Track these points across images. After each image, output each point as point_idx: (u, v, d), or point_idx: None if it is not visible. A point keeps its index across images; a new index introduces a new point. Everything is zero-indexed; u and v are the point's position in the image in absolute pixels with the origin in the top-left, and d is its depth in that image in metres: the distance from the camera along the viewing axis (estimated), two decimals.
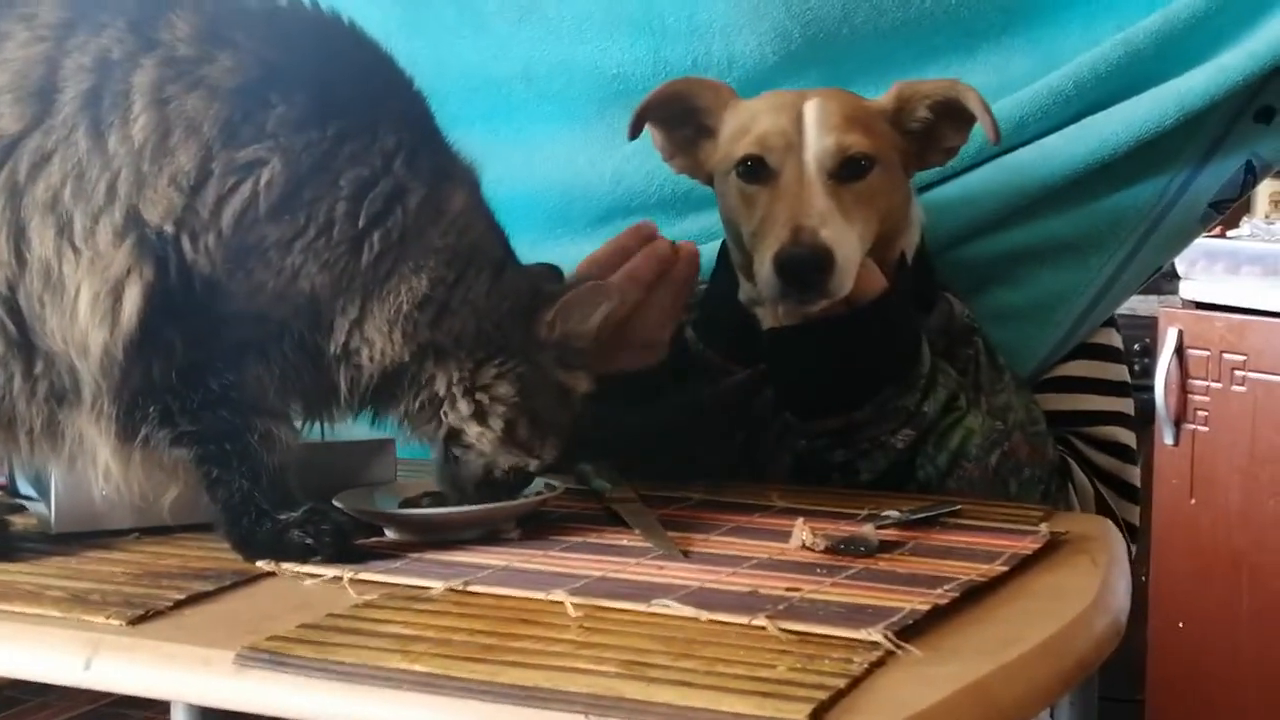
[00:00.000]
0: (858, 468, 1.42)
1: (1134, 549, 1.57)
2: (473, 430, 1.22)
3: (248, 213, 1.14)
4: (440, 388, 1.21)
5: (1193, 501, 3.23)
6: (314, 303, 1.17)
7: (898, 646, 0.96)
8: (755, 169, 1.40)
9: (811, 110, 1.39)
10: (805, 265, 1.33)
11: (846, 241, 1.35)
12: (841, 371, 1.39)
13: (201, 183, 1.14)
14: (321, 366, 1.19)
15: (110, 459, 1.17)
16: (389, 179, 1.17)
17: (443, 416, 1.22)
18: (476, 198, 1.25)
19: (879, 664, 0.94)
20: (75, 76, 1.13)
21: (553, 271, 1.31)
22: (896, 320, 1.40)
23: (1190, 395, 3.24)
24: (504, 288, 1.22)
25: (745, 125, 1.42)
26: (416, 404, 1.22)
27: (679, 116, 1.49)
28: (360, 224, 1.16)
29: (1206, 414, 3.22)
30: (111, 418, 1.15)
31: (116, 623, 1.03)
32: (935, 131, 1.45)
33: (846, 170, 1.38)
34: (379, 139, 1.18)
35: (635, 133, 1.48)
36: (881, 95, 1.44)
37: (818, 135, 1.38)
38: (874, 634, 0.97)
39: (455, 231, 1.20)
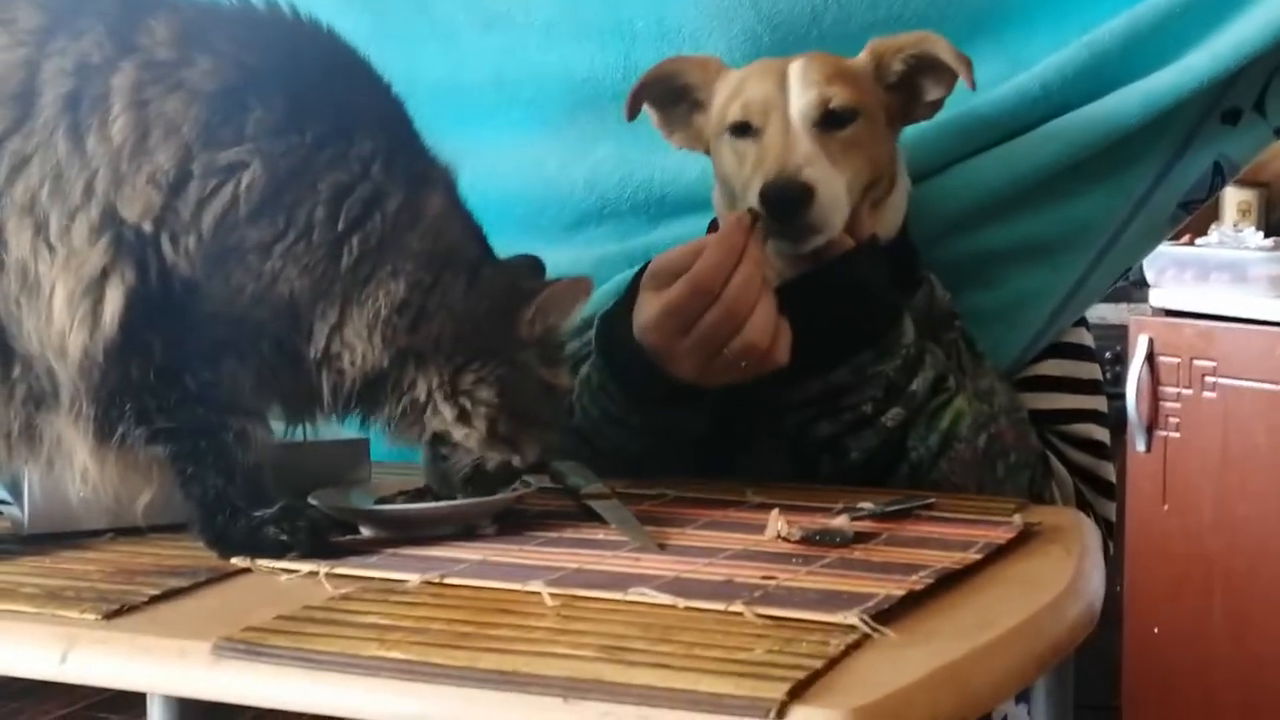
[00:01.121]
0: (847, 446, 1.42)
1: (1111, 546, 1.58)
2: (458, 433, 1.22)
3: (228, 215, 1.15)
4: (421, 393, 1.21)
5: (1166, 508, 3.25)
6: (292, 306, 1.17)
7: (874, 630, 0.96)
8: (744, 129, 1.43)
9: (796, 69, 1.43)
10: (786, 195, 1.36)
11: (832, 182, 1.39)
12: (810, 329, 1.40)
13: (181, 183, 1.14)
14: (302, 370, 1.19)
15: (88, 459, 1.16)
16: (367, 183, 1.18)
17: (426, 421, 1.22)
18: (453, 199, 1.25)
19: (855, 646, 0.94)
20: (55, 80, 1.14)
21: (534, 263, 1.31)
22: (863, 278, 1.41)
23: (1162, 402, 3.26)
24: (481, 289, 1.22)
25: (735, 91, 1.45)
26: (399, 409, 1.22)
27: (672, 94, 1.52)
28: (339, 228, 1.16)
29: (1178, 420, 3.24)
30: (90, 418, 1.15)
31: (91, 617, 1.03)
32: (915, 85, 1.47)
33: (830, 120, 1.41)
34: (356, 144, 1.18)
35: (632, 114, 1.51)
36: (859, 54, 1.47)
37: (801, 91, 1.42)
38: (850, 618, 0.97)
39: (432, 235, 1.21)
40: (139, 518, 1.21)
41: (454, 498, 1.25)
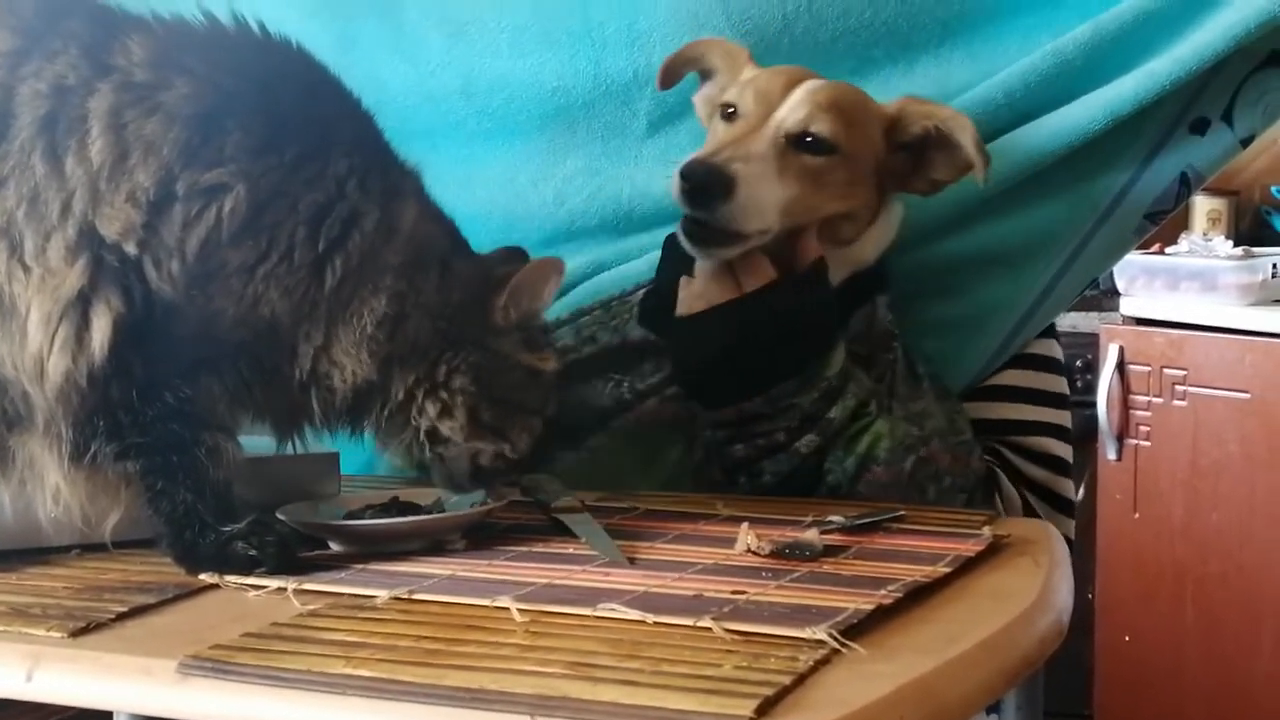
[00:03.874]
0: (762, 468, 1.43)
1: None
2: (444, 427, 1.23)
3: (211, 238, 1.15)
4: (403, 394, 1.22)
5: (1136, 516, 3.26)
6: (273, 328, 1.17)
7: (842, 645, 0.96)
8: (730, 113, 1.45)
9: (808, 86, 1.43)
10: (701, 175, 1.36)
11: (764, 188, 1.38)
12: (727, 356, 1.41)
13: (162, 204, 1.14)
14: (289, 389, 1.20)
15: (60, 480, 1.16)
16: (344, 203, 1.18)
17: (414, 420, 1.23)
18: (423, 202, 1.25)
19: (824, 662, 0.94)
20: (31, 102, 1.13)
21: (515, 254, 1.31)
22: (784, 312, 1.41)
23: (1132, 410, 3.27)
24: (452, 281, 1.23)
25: (746, 81, 1.47)
26: (386, 413, 1.23)
27: (702, 73, 1.55)
28: (320, 248, 1.17)
29: (1148, 429, 3.25)
30: (65, 440, 1.15)
31: (57, 635, 1.02)
32: (925, 157, 1.46)
33: (804, 143, 1.41)
34: (332, 163, 1.19)
35: (664, 84, 1.55)
36: (890, 102, 1.47)
37: (796, 105, 1.42)
38: (819, 633, 0.97)
39: (407, 247, 1.21)
40: (107, 536, 1.20)
41: (462, 493, 1.27)
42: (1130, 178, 1.56)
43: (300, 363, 1.18)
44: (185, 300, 1.15)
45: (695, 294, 1.43)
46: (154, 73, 1.15)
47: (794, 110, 1.41)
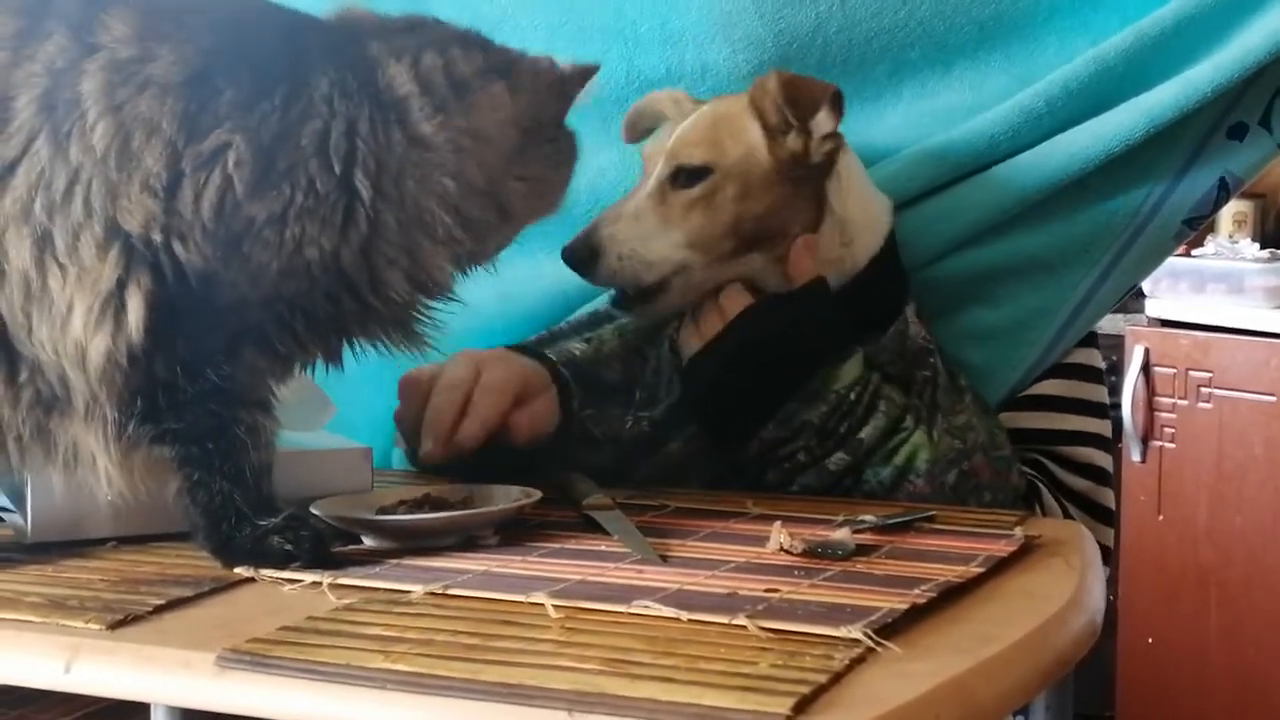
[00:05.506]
0: (791, 484, 1.44)
1: (1108, 571, 1.57)
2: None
3: (226, 199, 1.14)
4: (520, 202, 1.27)
5: (1160, 518, 3.25)
6: (330, 267, 1.17)
7: (877, 644, 0.96)
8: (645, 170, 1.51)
9: (682, 123, 1.48)
10: (571, 249, 1.45)
11: (646, 240, 1.43)
12: (727, 388, 1.44)
13: (175, 183, 1.13)
14: (403, 307, 1.21)
15: (109, 465, 1.16)
16: (337, 120, 1.17)
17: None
18: (399, 58, 1.22)
19: (859, 660, 0.94)
20: (27, 84, 1.13)
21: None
22: (768, 332, 1.43)
23: (1157, 412, 3.27)
24: (517, 112, 1.25)
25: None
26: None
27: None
28: (338, 171, 1.16)
29: (1173, 431, 3.24)
30: (112, 422, 1.15)
31: (96, 627, 1.03)
32: (804, 125, 1.46)
33: (678, 179, 1.46)
34: (314, 87, 1.18)
35: (629, 138, 1.58)
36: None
37: (670, 146, 1.47)
38: (854, 631, 0.97)
39: (418, 115, 1.20)
40: (171, 504, 1.19)
41: (471, 504, 1.27)
42: (1170, 184, 1.56)
43: (395, 288, 1.19)
44: (222, 266, 1.14)
45: (689, 335, 1.47)
46: (138, 46, 1.15)
47: (668, 153, 1.46)
